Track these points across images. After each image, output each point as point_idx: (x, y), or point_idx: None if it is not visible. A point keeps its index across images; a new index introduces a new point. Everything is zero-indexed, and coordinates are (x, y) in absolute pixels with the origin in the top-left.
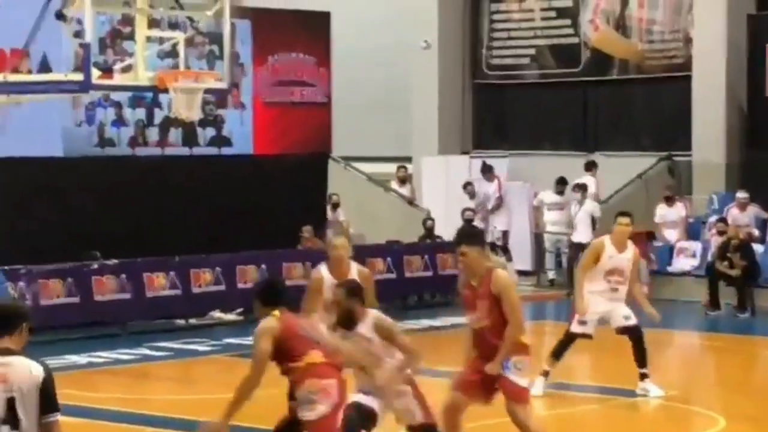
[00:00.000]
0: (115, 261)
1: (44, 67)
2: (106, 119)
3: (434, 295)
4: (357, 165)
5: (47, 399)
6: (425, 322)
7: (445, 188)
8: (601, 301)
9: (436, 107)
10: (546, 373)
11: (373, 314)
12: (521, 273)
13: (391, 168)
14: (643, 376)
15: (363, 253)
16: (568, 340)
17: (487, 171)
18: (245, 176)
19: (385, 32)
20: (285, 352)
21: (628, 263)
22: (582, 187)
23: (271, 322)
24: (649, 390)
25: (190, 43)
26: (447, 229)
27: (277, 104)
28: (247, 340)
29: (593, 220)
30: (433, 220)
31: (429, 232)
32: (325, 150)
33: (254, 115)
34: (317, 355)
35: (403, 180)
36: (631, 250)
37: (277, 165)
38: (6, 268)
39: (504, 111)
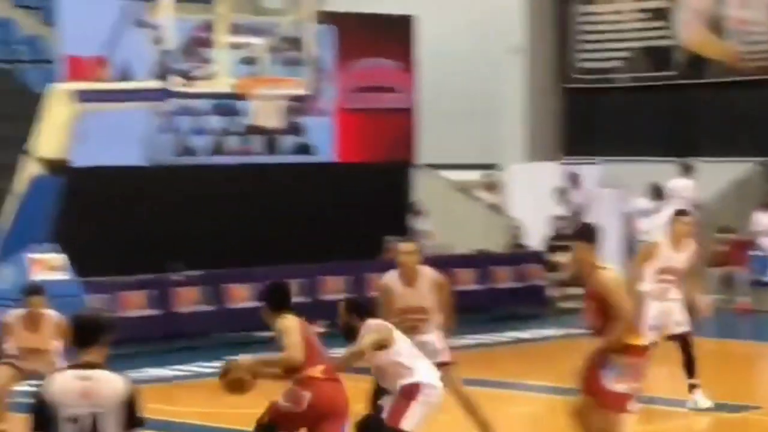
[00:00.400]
0: (196, 272)
1: (124, 75)
2: (186, 127)
3: (522, 306)
4: (443, 172)
5: (131, 414)
6: (512, 335)
7: (533, 196)
8: (653, 305)
9: (524, 113)
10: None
11: (365, 324)
12: None
13: (477, 175)
14: (691, 387)
15: (449, 262)
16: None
17: (573, 179)
18: (328, 184)
19: (472, 36)
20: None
21: (683, 263)
22: (659, 193)
23: (294, 321)
24: (698, 401)
25: (271, 49)
26: (535, 238)
27: (361, 111)
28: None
29: None
30: (520, 228)
31: (517, 241)
32: (409, 157)
33: (337, 122)
34: (319, 370)
35: (490, 188)
36: (689, 250)
37: (360, 173)
38: (86, 279)
39: (595, 116)
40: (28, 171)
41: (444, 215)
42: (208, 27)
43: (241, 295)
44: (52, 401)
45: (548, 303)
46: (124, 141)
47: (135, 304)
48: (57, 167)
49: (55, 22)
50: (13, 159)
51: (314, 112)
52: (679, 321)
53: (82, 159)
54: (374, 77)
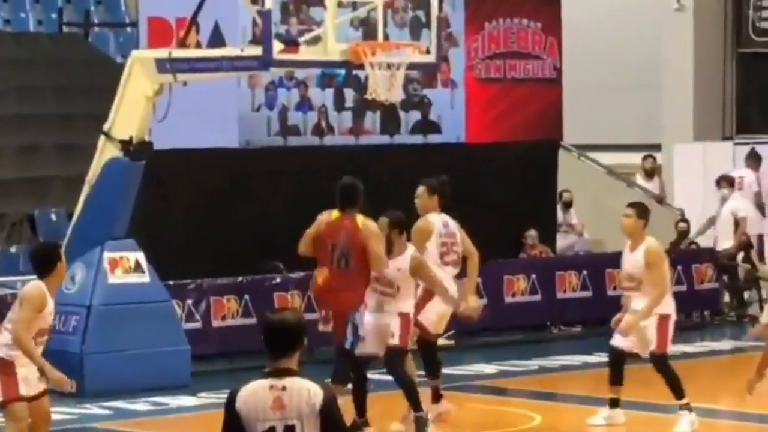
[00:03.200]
0: (300, 273)
1: (215, 40)
2: (289, 102)
3: (689, 314)
4: (593, 155)
5: (330, 423)
6: (676, 348)
7: (702, 182)
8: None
9: (690, 83)
10: (615, 402)
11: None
12: None
13: (635, 158)
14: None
15: (601, 262)
16: (614, 358)
17: (753, 159)
18: (456, 169)
19: None
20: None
21: (638, 266)
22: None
23: (324, 216)
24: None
25: (389, 7)
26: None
27: (495, 81)
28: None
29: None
30: (687, 221)
31: (682, 236)
32: (554, 137)
33: (467, 94)
34: (322, 275)
35: (651, 173)
36: (642, 250)
37: (496, 155)
38: (171, 282)
39: None
40: (104, 154)
41: (595, 206)
42: None
43: None
44: (242, 413)
45: (722, 311)
46: (215, 118)
47: (229, 311)
48: (137, 149)
49: None
50: (87, 140)
51: (441, 84)
52: (650, 339)
53: (165, 140)
54: (512, 41)
